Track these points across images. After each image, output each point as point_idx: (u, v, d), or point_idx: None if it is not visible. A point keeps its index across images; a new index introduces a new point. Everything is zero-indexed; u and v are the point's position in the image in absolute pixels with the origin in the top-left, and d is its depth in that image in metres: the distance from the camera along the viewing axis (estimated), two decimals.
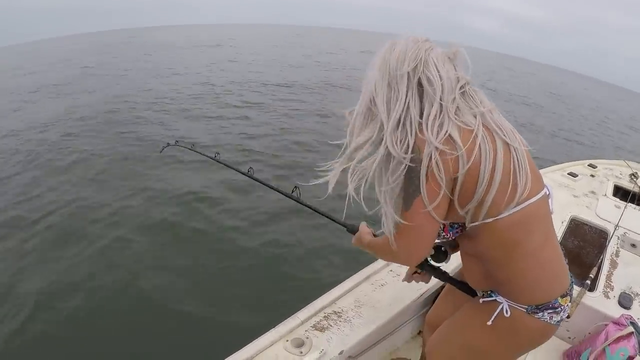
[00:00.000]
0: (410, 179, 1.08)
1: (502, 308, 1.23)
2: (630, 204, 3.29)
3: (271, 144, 8.08)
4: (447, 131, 1.06)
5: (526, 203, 1.10)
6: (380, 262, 2.12)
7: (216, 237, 4.72)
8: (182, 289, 3.82)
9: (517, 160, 1.09)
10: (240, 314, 3.45)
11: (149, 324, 3.38)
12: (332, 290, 1.98)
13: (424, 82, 1.12)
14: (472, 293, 1.48)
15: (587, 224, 2.94)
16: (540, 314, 1.20)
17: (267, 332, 1.75)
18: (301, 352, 1.67)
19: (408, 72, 1.12)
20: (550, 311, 1.20)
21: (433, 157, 1.04)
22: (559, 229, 2.80)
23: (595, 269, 2.36)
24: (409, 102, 1.11)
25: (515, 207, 1.08)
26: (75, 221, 5.00)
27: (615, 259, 2.55)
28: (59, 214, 5.19)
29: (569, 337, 2.15)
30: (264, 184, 1.95)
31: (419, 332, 2.38)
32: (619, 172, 4.16)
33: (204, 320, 3.39)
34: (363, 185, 1.18)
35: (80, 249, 4.43)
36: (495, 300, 1.26)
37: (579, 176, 3.82)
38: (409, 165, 1.08)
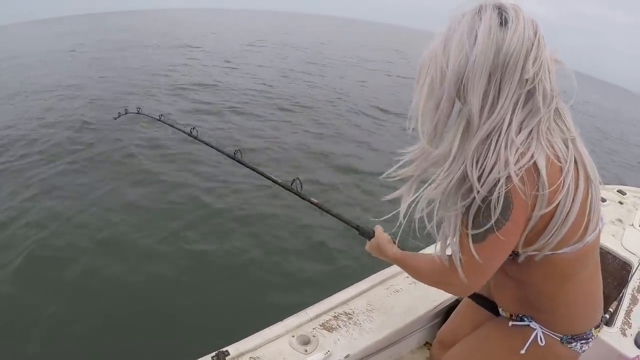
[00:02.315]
0: (486, 210, 0.91)
1: (537, 335, 1.16)
2: None
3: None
4: (532, 157, 0.88)
5: (589, 238, 1.00)
6: (397, 267, 2.04)
7: (213, 228, 4.65)
8: (186, 278, 3.79)
9: (594, 199, 0.96)
10: (246, 305, 3.42)
11: (153, 313, 3.34)
12: (344, 290, 1.91)
13: (538, 95, 0.89)
14: (493, 311, 1.40)
15: (610, 253, 2.82)
16: (574, 343, 1.16)
17: (274, 325, 1.69)
18: (306, 350, 1.61)
19: (534, 72, 0.86)
20: (583, 341, 1.17)
21: (502, 187, 0.87)
22: None
23: (615, 303, 2.26)
24: (507, 112, 0.89)
25: (578, 242, 0.98)
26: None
27: (637, 294, 2.44)
28: None
29: None
30: (257, 171, 1.88)
31: (425, 343, 2.30)
32: None
33: (205, 310, 3.36)
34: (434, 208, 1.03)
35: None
36: (529, 325, 1.19)
37: (607, 202, 3.68)
38: (483, 196, 0.90)
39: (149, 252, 4.07)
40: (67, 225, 4.46)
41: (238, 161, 1.92)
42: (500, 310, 1.35)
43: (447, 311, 1.93)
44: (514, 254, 1.06)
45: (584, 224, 0.96)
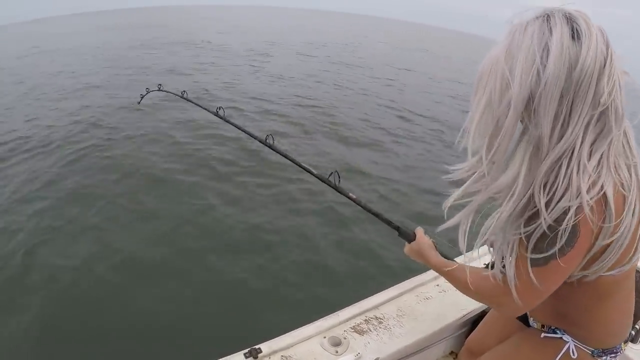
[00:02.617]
0: (553, 237, 0.86)
1: (569, 348, 1.17)
2: None
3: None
4: (602, 187, 0.83)
5: (634, 260, 0.98)
6: (428, 275, 2.06)
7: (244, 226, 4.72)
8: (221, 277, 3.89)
9: None
10: (279, 304, 3.49)
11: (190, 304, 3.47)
12: (376, 295, 1.93)
13: (611, 116, 0.82)
14: (524, 321, 1.41)
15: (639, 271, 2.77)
16: (604, 357, 1.17)
17: (305, 325, 1.73)
18: (337, 352, 1.64)
19: (607, 92, 0.79)
20: (612, 355, 1.18)
21: (572, 216, 0.83)
22: None
23: None
24: (580, 136, 0.82)
25: (625, 265, 0.96)
26: None
27: None
28: None
29: None
30: (290, 158, 1.78)
31: (451, 352, 2.31)
32: None
33: (238, 308, 3.46)
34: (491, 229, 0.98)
35: None
36: (561, 338, 1.20)
37: None
38: (549, 223, 0.85)
39: (183, 247, 4.23)
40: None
41: (270, 147, 1.80)
42: (531, 321, 1.35)
43: (474, 321, 1.94)
44: None
45: (633, 249, 0.93)
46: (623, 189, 0.86)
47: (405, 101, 11.77)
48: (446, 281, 1.59)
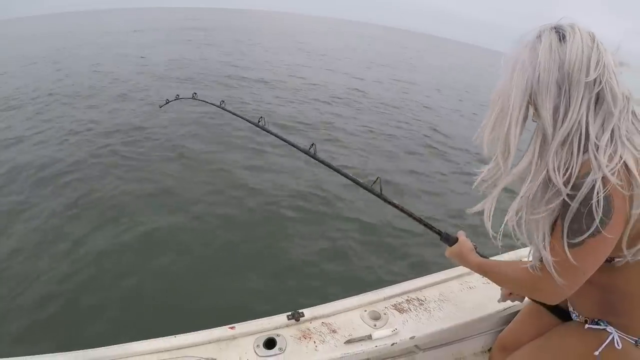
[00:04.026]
0: (588, 214, 0.92)
1: (613, 339, 1.18)
2: None
3: None
4: (621, 157, 0.90)
5: None
6: None
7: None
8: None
9: None
10: (325, 276, 3.73)
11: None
12: (420, 278, 1.98)
13: (607, 95, 0.94)
14: (563, 317, 1.42)
15: None
16: None
17: (349, 297, 1.80)
18: (375, 325, 1.70)
19: (594, 80, 0.93)
20: None
21: (600, 188, 0.89)
22: None
23: None
24: (581, 117, 0.94)
25: None
26: None
27: None
28: None
29: None
30: (332, 167, 1.80)
31: (489, 349, 2.30)
32: None
33: (285, 274, 3.74)
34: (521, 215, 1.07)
35: None
36: (605, 329, 1.20)
37: None
38: (581, 200, 0.92)
39: (239, 220, 4.63)
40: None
41: (312, 157, 1.81)
42: (573, 315, 1.36)
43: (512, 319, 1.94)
44: (608, 260, 1.06)
45: None
46: None
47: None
48: None
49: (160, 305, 3.25)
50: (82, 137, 6.92)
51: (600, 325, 1.22)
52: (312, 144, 1.81)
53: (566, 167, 0.95)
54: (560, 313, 1.44)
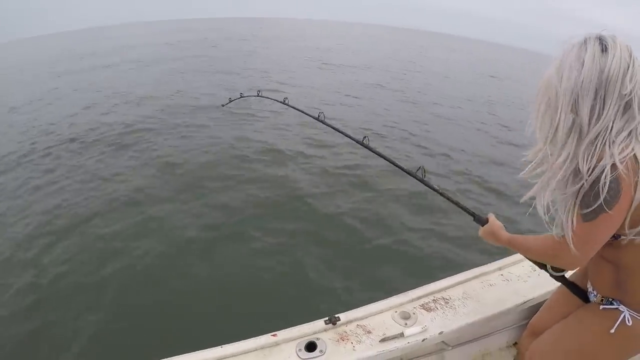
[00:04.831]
0: (597, 193, 1.08)
1: (624, 317, 1.31)
2: None
3: None
4: (632, 149, 1.07)
5: None
6: (493, 265, 2.22)
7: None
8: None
9: None
10: (357, 281, 3.96)
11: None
12: (443, 279, 2.12)
13: (634, 104, 1.09)
14: (584, 298, 1.56)
15: None
16: None
17: (379, 301, 1.95)
18: (406, 324, 1.84)
19: (628, 87, 1.07)
20: None
21: (608, 172, 1.06)
22: None
23: None
24: (609, 119, 1.09)
25: None
26: None
27: None
28: None
29: None
30: (383, 156, 2.03)
31: (515, 344, 2.40)
32: None
33: (321, 281, 3.98)
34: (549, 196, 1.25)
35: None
36: (617, 309, 1.34)
37: None
38: (592, 181, 1.09)
39: (275, 228, 4.91)
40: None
41: (366, 147, 2.07)
42: (591, 296, 1.50)
43: (536, 310, 2.06)
44: (615, 237, 1.23)
45: None
46: None
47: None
48: (509, 271, 1.76)
49: (202, 317, 3.44)
50: None
51: (613, 304, 1.36)
52: (365, 136, 2.06)
53: (590, 157, 1.11)
54: (582, 295, 1.58)
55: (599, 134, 1.10)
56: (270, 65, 18.15)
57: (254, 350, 1.72)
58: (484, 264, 2.24)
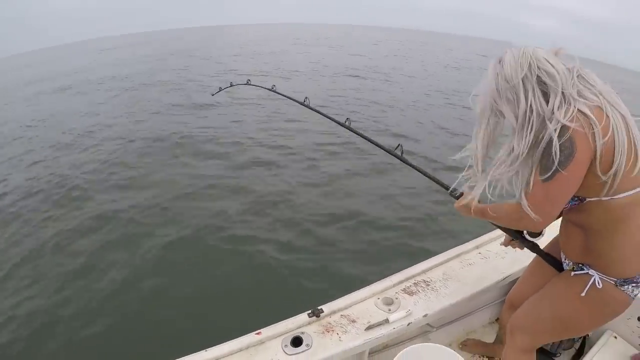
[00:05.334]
0: (552, 156, 1.15)
1: (594, 280, 1.35)
2: None
3: None
4: (574, 109, 1.14)
5: None
6: (471, 244, 2.24)
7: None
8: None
9: (633, 130, 1.19)
10: (338, 271, 3.97)
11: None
12: (423, 262, 2.14)
13: (544, 78, 1.22)
14: (558, 267, 1.60)
15: None
16: (626, 286, 1.33)
17: (362, 288, 1.94)
18: (389, 310, 1.84)
19: (525, 75, 1.23)
20: (633, 285, 1.33)
21: (556, 131, 1.14)
22: None
23: None
24: (530, 103, 1.22)
25: (632, 190, 1.19)
26: None
27: None
28: None
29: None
30: (364, 137, 2.04)
31: (497, 320, 2.45)
32: None
33: (303, 274, 3.96)
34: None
35: None
36: (587, 273, 1.38)
37: None
38: (553, 140, 1.16)
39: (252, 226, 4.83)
40: None
41: (348, 128, 2.09)
42: (564, 264, 1.54)
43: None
44: (580, 200, 1.28)
45: (633, 153, 1.17)
46: (598, 105, 1.16)
47: None
48: (487, 249, 1.79)
49: (183, 323, 3.37)
50: None
51: (583, 270, 1.40)
52: (347, 118, 2.12)
53: (532, 132, 1.22)
54: (557, 264, 1.61)
55: (525, 114, 1.23)
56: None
57: (239, 351, 1.69)
58: (462, 243, 2.27)
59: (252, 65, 19.87)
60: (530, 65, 1.23)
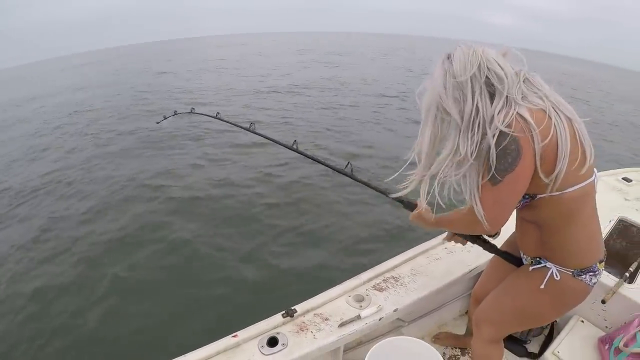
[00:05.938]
0: (502, 156, 1.17)
1: (552, 272, 1.42)
2: None
3: None
4: (514, 112, 1.16)
5: (589, 180, 1.26)
6: (437, 239, 2.33)
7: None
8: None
9: (581, 131, 1.21)
10: (309, 271, 4.07)
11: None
12: (391, 259, 2.21)
13: (493, 80, 1.21)
14: (517, 263, 1.68)
15: (635, 226, 2.92)
16: (583, 276, 1.40)
17: (333, 287, 2.00)
18: (361, 306, 1.90)
19: (474, 74, 1.21)
20: (591, 274, 1.40)
21: (494, 137, 1.16)
22: (605, 228, 2.79)
23: (635, 264, 2.38)
24: (477, 103, 1.21)
25: (581, 184, 1.24)
26: None
27: None
28: None
29: (606, 327, 2.22)
30: (313, 159, 2.07)
31: (466, 312, 2.53)
32: None
33: (274, 276, 4.04)
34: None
35: None
36: (545, 266, 1.45)
37: (632, 181, 3.76)
38: (501, 145, 1.16)
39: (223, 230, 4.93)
40: None
41: (296, 151, 2.11)
42: (523, 259, 1.62)
43: None
44: (532, 197, 1.30)
45: (580, 152, 1.20)
46: (541, 109, 1.18)
47: None
48: (453, 244, 1.88)
49: (159, 332, 3.36)
50: None
51: (541, 263, 1.47)
52: (294, 140, 2.11)
53: (473, 142, 1.22)
54: (515, 261, 1.69)
55: (471, 114, 1.22)
56: None
57: (216, 355, 1.71)
58: (429, 239, 2.35)
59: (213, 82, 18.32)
60: (480, 65, 1.22)
